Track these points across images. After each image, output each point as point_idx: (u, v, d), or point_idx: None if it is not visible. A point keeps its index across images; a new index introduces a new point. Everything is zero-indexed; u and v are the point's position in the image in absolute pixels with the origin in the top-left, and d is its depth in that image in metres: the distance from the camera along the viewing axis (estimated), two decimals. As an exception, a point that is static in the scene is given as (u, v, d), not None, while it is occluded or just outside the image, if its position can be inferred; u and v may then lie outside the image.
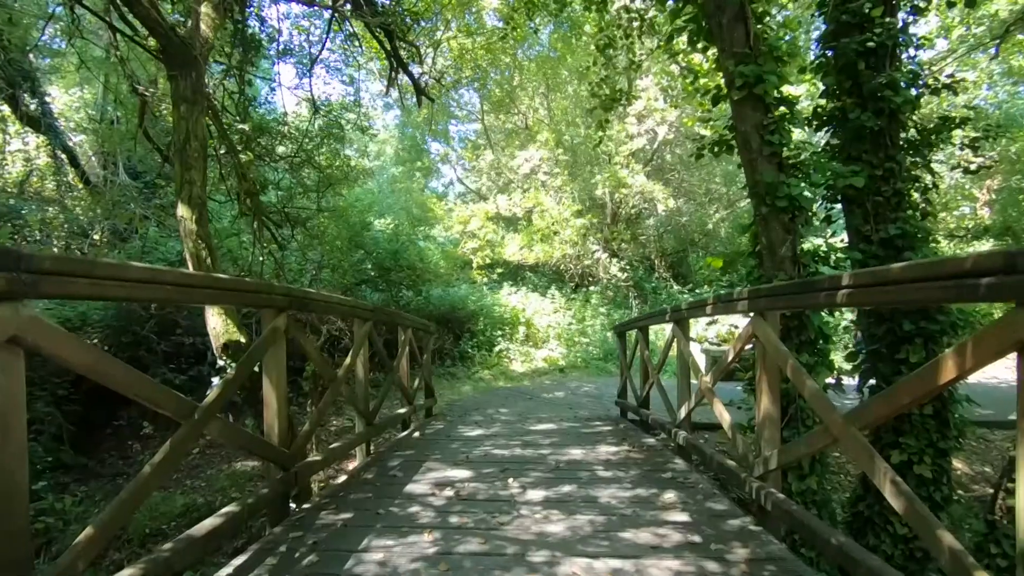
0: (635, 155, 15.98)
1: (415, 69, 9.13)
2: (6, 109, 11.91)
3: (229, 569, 2.28)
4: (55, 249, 11.96)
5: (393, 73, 8.66)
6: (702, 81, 8.05)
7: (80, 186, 13.07)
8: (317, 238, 9.92)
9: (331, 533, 2.71)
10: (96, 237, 12.21)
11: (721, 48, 3.79)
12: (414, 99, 9.72)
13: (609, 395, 9.17)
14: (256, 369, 3.65)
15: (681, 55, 7.84)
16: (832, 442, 2.16)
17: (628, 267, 17.71)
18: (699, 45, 4.20)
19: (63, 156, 12.46)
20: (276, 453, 2.81)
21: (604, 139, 9.54)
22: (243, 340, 4.12)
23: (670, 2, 4.24)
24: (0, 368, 1.36)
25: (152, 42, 5.92)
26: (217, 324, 4.15)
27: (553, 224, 15.84)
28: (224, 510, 2.37)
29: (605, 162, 15.88)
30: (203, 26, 4.27)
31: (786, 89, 3.71)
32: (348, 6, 6.39)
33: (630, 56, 8.35)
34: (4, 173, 12.36)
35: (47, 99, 12.02)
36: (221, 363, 4.14)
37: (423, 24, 8.95)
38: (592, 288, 17.02)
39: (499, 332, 14.13)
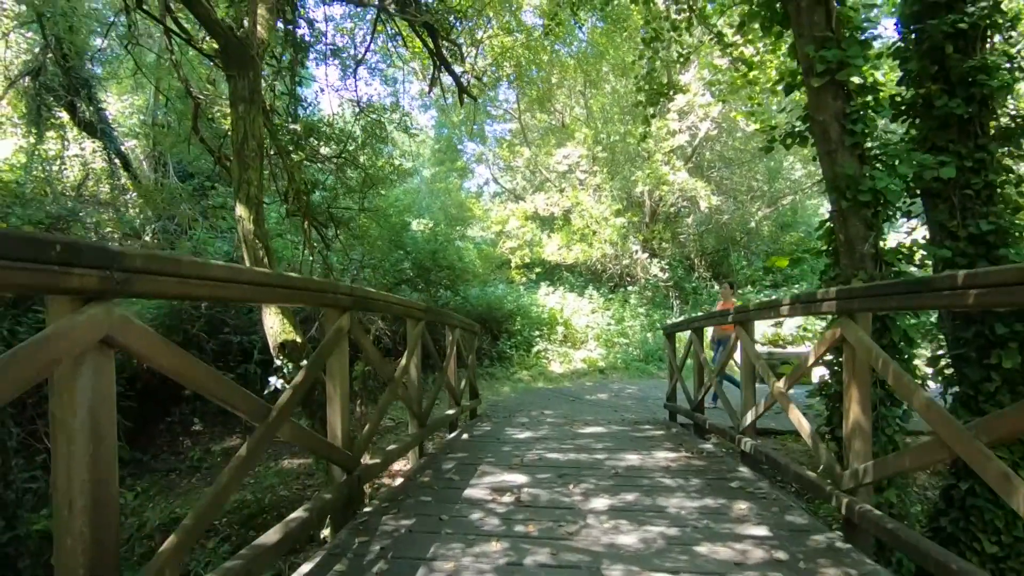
0: (676, 152, 15.63)
1: (456, 68, 9.10)
2: (64, 116, 12.43)
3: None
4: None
5: (436, 72, 8.64)
6: (753, 73, 7.79)
7: (132, 189, 13.54)
8: (359, 239, 9.99)
9: (397, 539, 2.64)
10: (148, 238, 12.64)
11: (798, 33, 3.56)
12: (453, 98, 9.70)
13: (654, 398, 8.95)
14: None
15: (732, 47, 7.57)
16: (948, 457, 1.97)
17: (668, 267, 17.36)
18: (773, 30, 3.97)
19: (117, 160, 12.91)
20: (340, 455, 2.76)
21: (648, 134, 9.29)
22: (299, 340, 4.12)
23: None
24: (93, 370, 1.31)
25: (206, 45, 6.03)
26: (274, 323, 4.15)
27: (592, 223, 15.63)
28: (293, 515, 2.31)
29: (644, 159, 15.58)
30: (259, 27, 4.29)
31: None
32: (394, 6, 6.37)
33: (677, 50, 8.12)
34: (63, 177, 12.89)
35: (102, 106, 12.45)
36: (278, 363, 4.15)
37: (466, 24, 8.89)
38: (631, 288, 16.74)
39: (537, 332, 14.01)
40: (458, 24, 8.66)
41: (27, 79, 11.09)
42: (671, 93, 7.86)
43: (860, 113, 3.47)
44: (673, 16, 7.81)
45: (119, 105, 14.29)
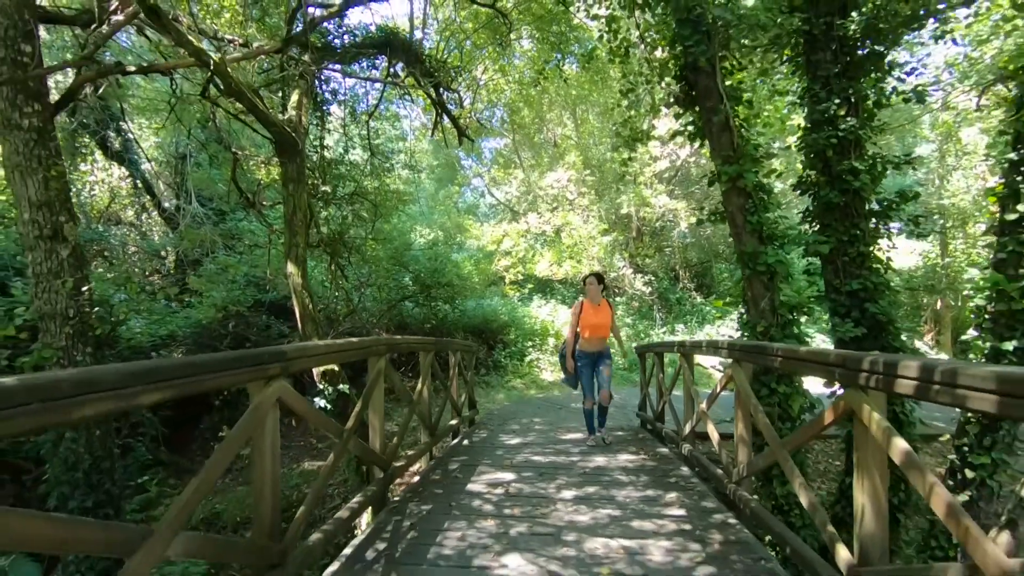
0: (658, 175, 16.80)
1: (455, 109, 10.23)
2: (92, 142, 13.47)
3: (353, 547, 3.35)
4: (132, 269, 13.53)
5: (438, 118, 9.78)
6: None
7: (154, 210, 14.59)
8: (368, 263, 11.11)
9: (420, 518, 3.77)
10: (170, 260, 13.72)
11: (712, 147, 4.72)
12: (453, 138, 10.83)
13: (632, 405, 10.08)
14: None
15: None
16: (774, 460, 3.12)
17: (653, 279, 18.51)
18: (696, 143, 5.15)
19: (141, 185, 13.98)
20: (380, 459, 3.89)
21: (627, 172, 10.45)
22: (336, 368, 5.22)
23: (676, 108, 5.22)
24: (271, 418, 2.44)
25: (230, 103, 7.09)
26: (316, 356, 5.28)
27: (581, 242, 16.78)
28: (354, 500, 3.44)
29: (631, 181, 16.76)
30: (302, 115, 5.40)
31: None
32: (404, 74, 7.50)
33: (650, 101, 9.26)
34: (93, 200, 13.95)
35: (129, 136, 13.51)
36: (320, 387, 5.26)
37: (464, 74, 10.02)
38: (618, 299, 17.90)
39: (530, 343, 15.11)
40: (459, 76, 9.78)
41: (63, 115, 12.13)
42: (646, 141, 9.00)
43: (756, 207, 4.62)
44: (646, 72, 8.94)
45: (141, 128, 15.26)
